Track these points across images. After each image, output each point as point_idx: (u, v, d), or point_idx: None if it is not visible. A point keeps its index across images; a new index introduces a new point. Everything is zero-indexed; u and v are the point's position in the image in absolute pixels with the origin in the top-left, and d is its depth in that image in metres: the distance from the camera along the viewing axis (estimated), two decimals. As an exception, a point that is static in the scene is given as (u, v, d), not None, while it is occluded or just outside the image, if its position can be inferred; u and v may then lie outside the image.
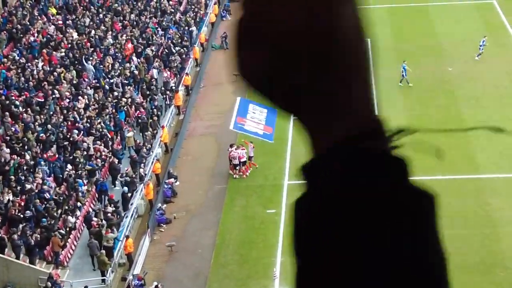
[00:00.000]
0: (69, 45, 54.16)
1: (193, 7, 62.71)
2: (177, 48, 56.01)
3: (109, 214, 44.35)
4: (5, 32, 53.63)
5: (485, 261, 39.19)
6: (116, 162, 48.15)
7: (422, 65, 46.89)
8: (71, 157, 46.69)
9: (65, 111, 48.97)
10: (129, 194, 46.39)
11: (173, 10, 62.03)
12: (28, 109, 47.76)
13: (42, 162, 46.97)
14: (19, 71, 50.92)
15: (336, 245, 1.21)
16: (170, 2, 61.72)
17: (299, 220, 1.33)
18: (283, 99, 1.34)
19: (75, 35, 56.14)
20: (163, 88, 52.94)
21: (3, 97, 48.32)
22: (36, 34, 54.63)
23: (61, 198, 45.23)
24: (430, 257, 1.25)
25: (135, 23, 59.04)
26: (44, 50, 52.75)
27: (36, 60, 51.92)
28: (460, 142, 42.11)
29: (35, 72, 51.18)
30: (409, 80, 47.01)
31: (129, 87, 52.59)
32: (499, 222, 42.50)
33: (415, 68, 48.21)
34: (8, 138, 47.13)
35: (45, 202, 44.36)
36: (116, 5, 60.80)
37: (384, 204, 1.21)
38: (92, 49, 54.69)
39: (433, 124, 42.63)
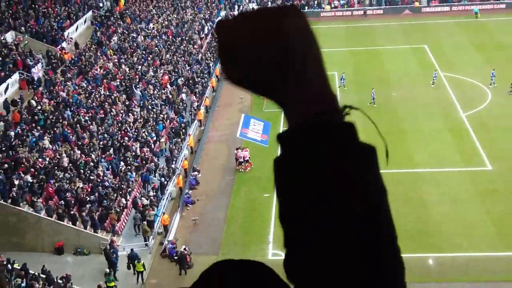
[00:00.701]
0: (122, 77, 54.61)
1: (211, 49, 61.27)
2: (199, 79, 56.15)
3: (151, 197, 45.26)
4: (76, 67, 53.29)
5: (419, 231, 39.33)
6: (156, 160, 48.76)
7: (375, 91, 46.86)
8: (123, 157, 47.54)
9: (119, 124, 49.66)
10: (165, 183, 47.02)
11: (196, 52, 61.58)
12: (93, 122, 48.54)
13: (103, 160, 47.66)
14: (86, 95, 50.93)
15: (308, 192, 1.29)
16: (195, 46, 61.71)
17: (278, 176, 1.39)
18: (260, 91, 1.42)
19: (126, 69, 56.14)
20: (189, 107, 53.44)
21: (75, 114, 48.78)
22: (98, 69, 54.18)
23: (116, 186, 46.05)
24: (376, 189, 1.35)
25: (169, 61, 59.03)
26: (105, 80, 52.81)
27: (99, 87, 52.42)
28: (402, 145, 42.82)
29: (98, 96, 51.31)
30: (376, 102, 47.51)
31: (165, 106, 52.70)
32: (429, 203, 42.89)
33: (370, 93, 48.33)
34: (79, 143, 47.71)
35: (105, 189, 45.29)
36: (156, 48, 59.16)
37: (341, 156, 1.30)
38: (138, 79, 54.97)
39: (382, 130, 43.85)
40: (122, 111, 51.66)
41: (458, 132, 43.17)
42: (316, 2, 67.57)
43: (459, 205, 43.61)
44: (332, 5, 67.22)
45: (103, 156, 48.62)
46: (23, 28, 49.04)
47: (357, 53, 56.99)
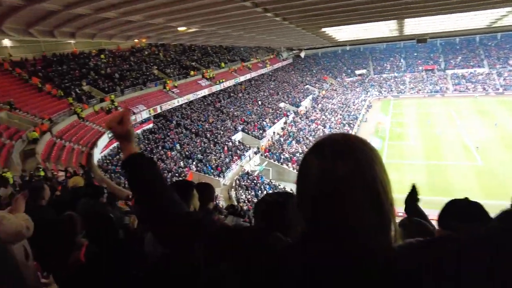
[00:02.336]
0: (322, 120, 52.35)
1: (358, 109, 57.97)
2: (352, 121, 52.54)
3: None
4: (305, 116, 52.06)
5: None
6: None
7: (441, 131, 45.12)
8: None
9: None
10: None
11: (353, 110, 56.09)
12: (310, 137, 49.00)
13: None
14: (308, 126, 49.75)
15: None
16: (353, 107, 57.83)
17: None
18: None
19: (323, 117, 54.57)
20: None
21: (304, 134, 47.26)
22: (313, 116, 52.68)
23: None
24: None
25: (343, 116, 56.09)
26: (315, 120, 51.06)
27: (312, 124, 50.45)
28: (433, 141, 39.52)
29: (312, 127, 49.84)
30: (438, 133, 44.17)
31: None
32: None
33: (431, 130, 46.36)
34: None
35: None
36: (334, 109, 57.75)
37: None
38: (328, 121, 52.85)
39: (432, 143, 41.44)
40: (323, 133, 48.17)
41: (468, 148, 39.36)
42: (400, 90, 67.61)
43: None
44: (409, 93, 67.67)
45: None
46: (288, 98, 52.11)
47: (423, 113, 55.10)
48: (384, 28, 26.35)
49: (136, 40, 26.57)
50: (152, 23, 15.49)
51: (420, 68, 75.45)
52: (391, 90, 71.06)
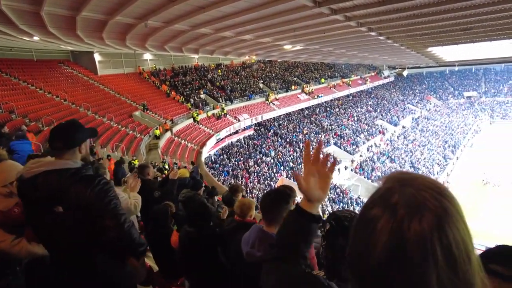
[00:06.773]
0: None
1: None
2: (449, 147, 46.29)
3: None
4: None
5: None
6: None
7: None
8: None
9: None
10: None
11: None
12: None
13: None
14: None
15: None
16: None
17: None
18: None
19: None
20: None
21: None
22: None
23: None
24: None
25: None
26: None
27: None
28: None
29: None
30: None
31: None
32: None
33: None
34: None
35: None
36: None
37: None
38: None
39: None
40: (421, 155, 42.69)
41: None
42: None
43: None
44: None
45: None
46: (386, 116, 48.33)
47: None
48: (510, 47, 22.73)
49: (247, 57, 28.29)
50: (262, 41, 16.28)
51: (548, 92, 63.29)
52: (506, 115, 60.89)
